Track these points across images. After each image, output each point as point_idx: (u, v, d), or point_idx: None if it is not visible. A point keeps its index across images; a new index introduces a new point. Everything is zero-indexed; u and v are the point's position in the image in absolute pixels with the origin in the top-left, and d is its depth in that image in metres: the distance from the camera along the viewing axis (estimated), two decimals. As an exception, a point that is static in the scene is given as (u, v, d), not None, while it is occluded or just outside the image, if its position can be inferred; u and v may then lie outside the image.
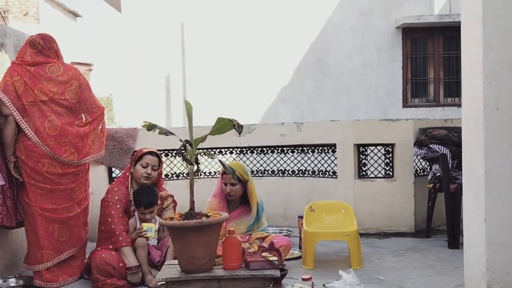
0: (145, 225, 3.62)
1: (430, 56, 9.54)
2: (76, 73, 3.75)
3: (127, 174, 3.88)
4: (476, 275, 2.69)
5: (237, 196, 3.90)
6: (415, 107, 9.43)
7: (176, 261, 3.01)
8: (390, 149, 5.21)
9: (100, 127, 3.86)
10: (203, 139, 3.01)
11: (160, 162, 3.94)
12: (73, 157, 3.62)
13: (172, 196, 4.00)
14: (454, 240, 4.39)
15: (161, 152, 5.54)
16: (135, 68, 10.54)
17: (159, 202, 3.85)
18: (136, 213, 3.74)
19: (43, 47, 3.66)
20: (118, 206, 3.68)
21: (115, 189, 3.80)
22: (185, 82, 10.23)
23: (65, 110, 3.64)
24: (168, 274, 2.88)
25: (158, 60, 10.17)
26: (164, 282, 2.91)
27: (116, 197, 3.73)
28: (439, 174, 4.66)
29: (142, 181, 3.80)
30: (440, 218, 5.08)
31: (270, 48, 9.59)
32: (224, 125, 3.00)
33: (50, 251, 3.58)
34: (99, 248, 3.69)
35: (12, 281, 3.60)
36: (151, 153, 3.89)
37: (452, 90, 9.43)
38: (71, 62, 6.06)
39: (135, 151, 5.04)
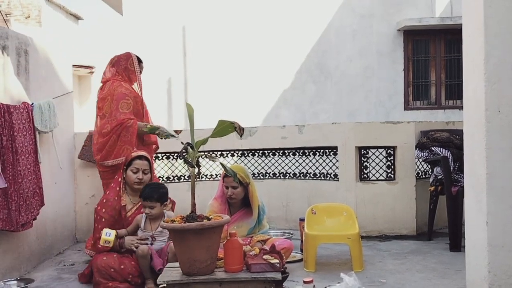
0: (102, 239, 3.53)
1: (432, 59, 9.53)
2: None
3: (119, 180, 3.90)
4: (478, 278, 2.68)
5: (239, 199, 3.90)
6: (416, 109, 9.41)
7: (177, 264, 3.00)
8: (392, 152, 5.20)
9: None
10: (204, 141, 3.01)
11: (151, 165, 3.93)
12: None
13: (171, 201, 3.99)
14: (456, 243, 4.38)
15: (162, 154, 5.56)
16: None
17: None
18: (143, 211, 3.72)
19: None
20: (103, 220, 3.77)
21: (104, 200, 3.87)
22: (186, 84, 10.24)
23: None
24: (170, 277, 2.88)
25: (159, 63, 10.18)
26: (165, 285, 2.91)
27: (104, 210, 3.81)
28: (440, 176, 4.65)
29: (135, 187, 3.80)
30: (441, 220, 5.07)
31: (271, 51, 9.59)
32: (225, 128, 3.00)
33: None
34: None
35: (13, 284, 3.61)
36: (139, 157, 3.87)
37: (454, 92, 9.41)
38: (73, 65, 6.07)
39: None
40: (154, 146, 4.53)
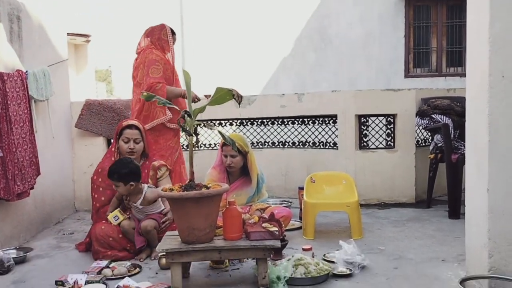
0: (113, 214, 3.58)
1: (433, 25, 9.37)
2: None
3: (113, 149, 3.91)
4: (478, 244, 2.68)
5: (237, 167, 3.87)
6: (417, 77, 9.31)
7: (176, 232, 3.00)
8: (392, 120, 5.16)
9: None
10: (202, 109, 2.96)
11: (142, 134, 3.89)
12: None
13: (166, 165, 3.95)
14: (455, 210, 4.38)
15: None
16: (134, 39, 10.40)
17: (151, 172, 3.80)
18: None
19: None
20: (100, 189, 3.81)
21: (100, 170, 3.88)
22: (183, 51, 10.10)
23: None
24: (169, 245, 2.87)
25: (156, 30, 10.03)
26: (164, 253, 2.91)
27: (100, 179, 3.83)
28: (441, 144, 4.62)
29: (128, 156, 3.78)
30: (440, 188, 5.07)
31: (270, 17, 9.42)
32: (223, 95, 2.95)
33: None
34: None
35: (12, 253, 3.61)
36: (129, 126, 3.84)
37: (455, 59, 9.29)
38: (68, 34, 5.95)
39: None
40: None
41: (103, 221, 3.64)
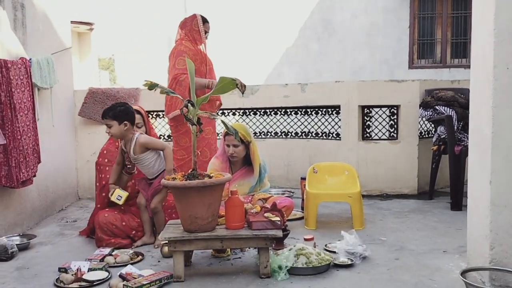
0: (114, 194, 3.56)
1: (438, 16, 9.30)
2: None
3: None
4: (479, 236, 2.69)
5: (240, 157, 3.88)
6: (421, 68, 9.27)
7: (179, 221, 3.01)
8: (395, 111, 5.15)
9: None
10: (205, 99, 2.96)
11: (144, 118, 3.90)
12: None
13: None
14: (457, 202, 4.38)
15: (163, 112, 5.51)
16: (137, 27, 10.37)
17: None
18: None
19: None
20: (107, 168, 3.82)
21: (105, 151, 3.92)
22: (187, 41, 10.06)
23: None
24: (171, 233, 2.89)
25: (160, 20, 9.98)
26: (167, 241, 2.93)
27: (106, 160, 3.86)
28: (444, 136, 4.61)
29: None
30: (443, 180, 5.07)
31: (274, 7, 9.37)
32: (226, 85, 2.94)
33: None
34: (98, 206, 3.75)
35: (16, 239, 3.64)
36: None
37: (460, 51, 9.24)
38: (71, 22, 5.93)
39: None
40: (217, 102, 4.57)
41: (106, 209, 3.66)
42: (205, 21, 4.49)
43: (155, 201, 3.58)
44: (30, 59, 4.10)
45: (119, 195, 3.55)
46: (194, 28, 4.41)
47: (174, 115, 4.22)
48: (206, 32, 4.48)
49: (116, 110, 3.46)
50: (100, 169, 3.87)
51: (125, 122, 3.47)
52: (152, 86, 2.99)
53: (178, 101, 4.23)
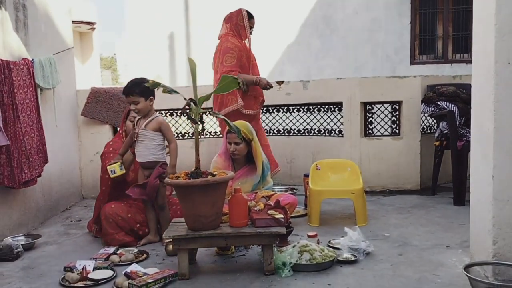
0: (112, 166, 3.53)
1: (439, 11, 9.28)
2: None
3: (120, 132, 3.97)
4: (482, 231, 2.69)
5: (242, 155, 3.89)
6: (423, 64, 9.25)
7: (183, 219, 3.03)
8: (397, 107, 5.15)
9: None
10: (207, 97, 2.97)
11: None
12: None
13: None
14: (460, 197, 4.39)
15: (165, 111, 5.53)
16: (138, 27, 10.37)
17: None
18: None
19: None
20: (111, 155, 3.82)
21: (111, 143, 3.97)
22: (188, 39, 10.07)
23: None
24: (175, 232, 2.90)
25: (161, 17, 9.98)
26: (171, 239, 2.95)
27: (111, 149, 3.88)
28: (446, 131, 4.62)
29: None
30: (445, 175, 5.07)
31: (275, 4, 9.36)
32: (228, 83, 2.95)
33: None
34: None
35: (21, 239, 3.66)
36: None
37: (461, 46, 9.22)
38: (73, 21, 5.95)
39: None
40: (261, 98, 4.65)
41: (113, 201, 3.70)
42: (250, 16, 4.55)
43: (159, 198, 3.58)
44: (32, 59, 4.12)
45: (114, 169, 3.53)
46: (239, 23, 4.48)
47: (225, 112, 4.31)
48: (250, 28, 4.54)
49: (141, 87, 3.40)
50: (105, 158, 3.85)
51: (151, 97, 3.49)
52: (154, 85, 3.00)
53: (228, 98, 4.35)
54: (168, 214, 3.64)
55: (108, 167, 3.57)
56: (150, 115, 3.54)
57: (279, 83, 4.59)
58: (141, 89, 3.41)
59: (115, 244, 3.50)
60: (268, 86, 4.46)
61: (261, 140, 4.48)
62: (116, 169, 3.56)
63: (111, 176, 3.57)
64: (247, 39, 4.53)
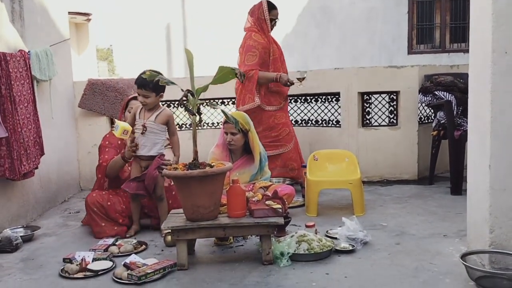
0: (120, 130, 3.41)
1: (437, 0, 9.26)
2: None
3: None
4: (479, 220, 2.71)
5: (238, 145, 3.89)
6: (420, 53, 9.24)
7: (181, 210, 3.04)
8: (395, 97, 5.15)
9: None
10: (204, 88, 2.97)
11: None
12: None
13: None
14: (457, 186, 4.41)
15: (163, 102, 5.52)
16: (134, 18, 10.32)
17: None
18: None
19: None
20: (107, 149, 3.87)
21: (107, 135, 4.00)
22: (185, 30, 10.03)
23: None
24: (174, 223, 2.92)
25: (157, 8, 9.92)
26: (169, 230, 2.96)
27: (107, 142, 3.91)
28: (443, 121, 4.63)
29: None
30: (443, 165, 5.09)
31: (272, -6, 9.32)
32: (226, 74, 2.94)
33: None
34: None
35: (20, 231, 3.67)
36: (135, 98, 3.88)
37: (459, 35, 9.20)
38: (69, 12, 5.91)
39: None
40: (285, 94, 4.69)
41: (96, 190, 3.78)
42: (272, 7, 4.52)
43: (158, 189, 3.58)
44: (28, 51, 4.10)
45: (118, 126, 3.43)
46: (260, 17, 4.49)
47: (244, 109, 4.39)
48: (273, 20, 4.54)
49: (155, 82, 3.35)
50: (101, 151, 3.90)
51: (161, 93, 3.53)
52: (152, 76, 2.99)
53: (246, 97, 4.44)
54: (166, 205, 3.65)
55: (118, 124, 3.46)
56: (157, 108, 3.56)
57: (300, 80, 4.54)
58: (154, 84, 3.37)
59: (101, 236, 3.52)
60: (288, 83, 4.45)
61: (292, 135, 4.59)
62: (120, 127, 3.41)
63: (126, 137, 3.49)
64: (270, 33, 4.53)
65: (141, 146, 3.55)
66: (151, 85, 3.41)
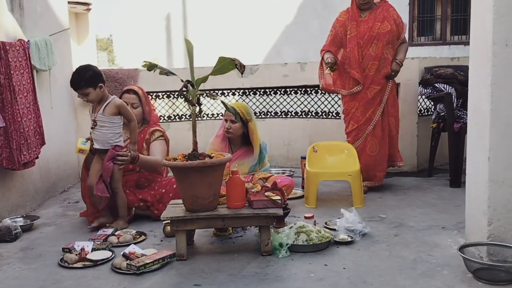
0: (79, 140, 3.55)
1: (438, -8, 9.23)
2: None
3: None
4: (477, 212, 2.72)
5: (236, 134, 3.89)
6: (421, 45, 9.22)
7: (180, 201, 3.05)
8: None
9: None
10: (204, 79, 2.96)
11: (141, 99, 3.89)
12: None
13: (162, 132, 3.95)
14: (456, 179, 4.41)
15: (162, 93, 5.52)
16: (134, 7, 10.27)
17: (146, 136, 3.79)
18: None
19: None
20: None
21: None
22: (185, 20, 9.99)
23: None
24: (173, 213, 2.92)
25: (157, -2, 9.87)
26: (169, 221, 2.97)
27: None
28: (443, 113, 4.62)
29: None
30: (442, 157, 5.09)
31: (273, -15, 9.28)
32: (225, 65, 2.93)
33: None
34: None
35: (19, 221, 3.68)
36: (127, 91, 3.88)
37: (460, 27, 9.18)
38: (68, 2, 5.88)
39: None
40: (353, 77, 4.30)
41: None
42: None
43: (113, 181, 3.50)
44: (28, 41, 4.08)
45: (83, 142, 3.58)
46: None
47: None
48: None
49: (86, 77, 3.35)
50: None
51: (100, 84, 3.40)
52: (151, 66, 2.98)
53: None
54: (124, 197, 3.57)
55: (79, 140, 3.60)
56: (105, 99, 3.45)
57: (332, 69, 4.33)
58: (86, 80, 3.35)
59: (93, 224, 3.54)
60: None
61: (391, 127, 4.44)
62: (78, 144, 3.57)
63: (80, 146, 3.56)
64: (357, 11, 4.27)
65: (95, 141, 3.51)
66: (82, 82, 3.35)
